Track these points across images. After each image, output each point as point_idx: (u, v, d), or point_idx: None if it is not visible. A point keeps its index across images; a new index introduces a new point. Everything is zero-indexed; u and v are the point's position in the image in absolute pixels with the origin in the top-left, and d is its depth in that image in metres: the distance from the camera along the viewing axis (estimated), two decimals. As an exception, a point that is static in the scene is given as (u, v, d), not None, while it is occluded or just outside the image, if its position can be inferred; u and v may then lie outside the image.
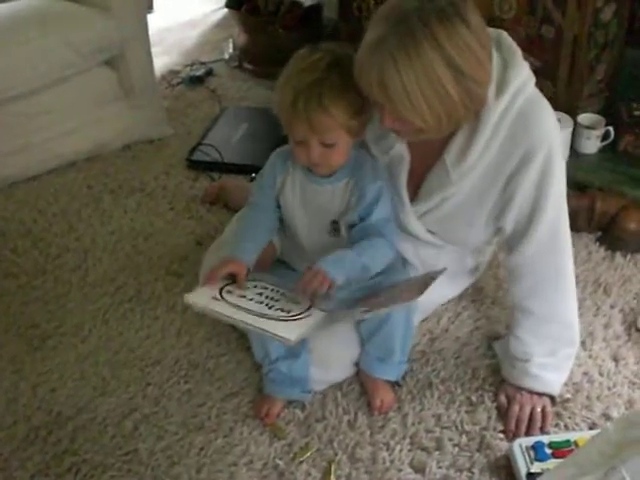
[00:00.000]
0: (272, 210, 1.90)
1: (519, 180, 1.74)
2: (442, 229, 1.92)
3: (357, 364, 1.99)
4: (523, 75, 1.71)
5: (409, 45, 1.50)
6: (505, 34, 1.77)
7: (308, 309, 1.74)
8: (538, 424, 1.85)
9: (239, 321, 1.71)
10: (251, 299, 1.76)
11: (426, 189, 1.85)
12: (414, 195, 1.89)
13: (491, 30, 1.77)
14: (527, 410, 1.87)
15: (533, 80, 1.74)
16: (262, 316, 1.70)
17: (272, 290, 1.81)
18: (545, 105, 1.76)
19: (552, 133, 1.74)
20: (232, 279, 1.80)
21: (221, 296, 1.76)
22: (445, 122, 1.61)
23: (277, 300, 1.78)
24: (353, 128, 1.72)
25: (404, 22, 1.51)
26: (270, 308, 1.74)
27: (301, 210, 1.87)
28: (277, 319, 1.70)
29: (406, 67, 1.51)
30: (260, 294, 1.79)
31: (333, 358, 1.96)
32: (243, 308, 1.72)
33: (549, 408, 1.88)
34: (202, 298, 1.75)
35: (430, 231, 1.93)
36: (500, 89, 1.68)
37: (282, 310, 1.73)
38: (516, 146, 1.72)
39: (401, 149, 1.83)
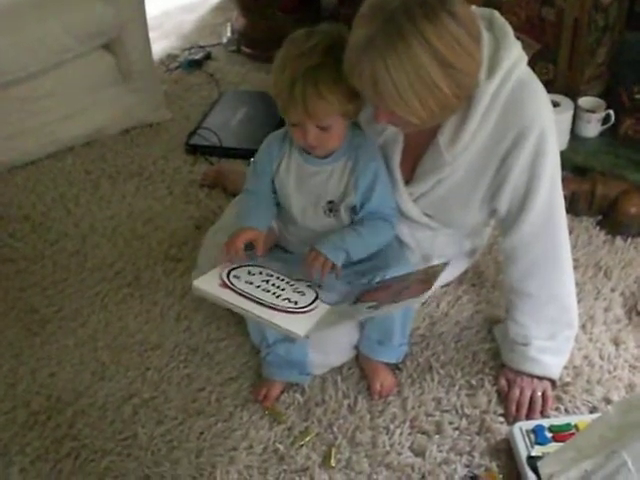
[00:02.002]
0: (269, 195, 1.90)
1: (512, 161, 1.74)
2: (437, 212, 1.91)
3: (357, 347, 1.99)
4: (514, 55, 1.70)
5: (398, 45, 1.49)
6: (497, 13, 1.76)
7: (314, 301, 1.74)
8: (539, 408, 1.85)
9: (248, 311, 1.69)
10: (258, 286, 1.75)
11: (421, 171, 1.85)
12: (409, 177, 1.89)
13: (483, 9, 1.77)
14: (527, 394, 1.86)
15: (525, 60, 1.73)
16: (271, 307, 1.69)
17: (277, 278, 1.79)
18: (537, 85, 1.75)
19: (544, 113, 1.74)
20: (238, 263, 1.80)
21: (229, 281, 1.74)
22: (438, 114, 1.61)
23: (283, 289, 1.76)
24: (349, 112, 1.72)
25: (391, 21, 1.50)
26: (278, 297, 1.73)
27: (296, 191, 1.86)
28: (286, 311, 1.69)
29: (397, 67, 1.50)
30: (267, 281, 1.78)
31: (332, 342, 1.95)
32: (252, 297, 1.71)
33: (549, 392, 1.88)
34: (211, 285, 1.73)
35: (426, 214, 1.92)
36: (491, 70, 1.68)
37: (289, 300, 1.72)
38: (508, 127, 1.72)
39: (394, 131, 1.83)
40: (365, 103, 1.74)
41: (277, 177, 1.87)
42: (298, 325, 1.66)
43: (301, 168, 1.85)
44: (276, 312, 1.68)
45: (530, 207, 1.78)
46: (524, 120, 1.71)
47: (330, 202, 1.84)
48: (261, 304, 1.69)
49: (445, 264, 1.73)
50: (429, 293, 1.71)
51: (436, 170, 1.81)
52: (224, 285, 1.73)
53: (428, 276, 1.72)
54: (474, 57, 1.57)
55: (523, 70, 1.73)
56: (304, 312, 1.70)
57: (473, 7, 1.77)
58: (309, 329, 1.66)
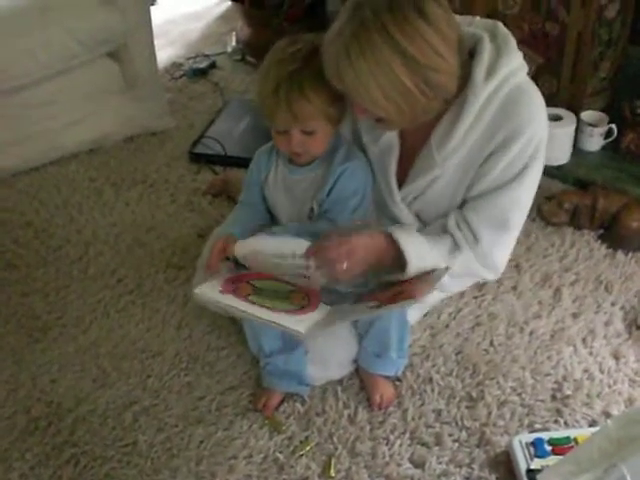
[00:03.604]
0: (260, 205, 1.94)
1: (497, 158, 1.74)
2: (428, 212, 1.90)
3: (356, 361, 1.99)
4: (515, 63, 1.72)
5: (361, 36, 1.53)
6: (500, 25, 1.77)
7: None
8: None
9: (250, 314, 1.70)
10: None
11: (413, 173, 1.86)
12: (402, 180, 1.89)
13: (487, 21, 1.79)
14: None
15: (525, 69, 1.75)
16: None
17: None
18: (535, 94, 1.75)
19: (537, 121, 1.74)
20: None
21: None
22: (408, 111, 1.62)
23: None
24: (333, 115, 1.74)
25: (358, 13, 1.55)
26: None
27: (284, 200, 1.89)
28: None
29: (358, 58, 1.54)
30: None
31: (331, 357, 1.96)
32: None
33: None
34: (212, 291, 1.75)
35: (418, 217, 1.93)
36: (490, 73, 1.69)
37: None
38: (500, 128, 1.72)
39: (391, 137, 1.85)
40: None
41: (266, 188, 1.92)
42: (299, 324, 1.68)
43: (286, 179, 1.88)
44: (276, 313, 1.70)
45: (493, 201, 1.79)
46: (516, 123, 1.71)
47: (313, 209, 1.86)
48: (262, 306, 1.71)
49: (446, 268, 1.74)
50: (429, 294, 1.69)
51: (427, 171, 1.82)
52: (224, 291, 1.75)
53: (427, 278, 1.72)
54: (443, 56, 1.57)
55: (522, 78, 1.74)
56: (304, 313, 1.72)
57: (477, 18, 1.79)
58: (310, 328, 1.67)
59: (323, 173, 1.83)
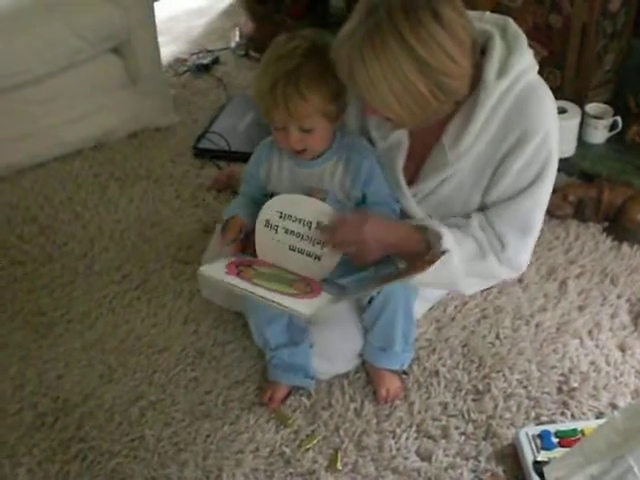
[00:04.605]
0: (259, 197, 1.93)
1: (511, 160, 1.74)
2: (440, 211, 1.90)
3: (362, 355, 1.99)
4: (526, 61, 1.72)
5: (375, 38, 1.53)
6: (511, 21, 1.77)
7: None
8: None
9: (255, 294, 1.69)
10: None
11: (424, 171, 1.85)
12: (413, 178, 1.88)
13: (498, 17, 1.78)
14: None
15: (536, 68, 1.74)
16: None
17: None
18: (546, 92, 1.75)
19: (548, 119, 1.73)
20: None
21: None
22: (420, 114, 1.62)
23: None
24: (331, 113, 1.74)
25: (372, 15, 1.54)
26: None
27: (291, 193, 1.87)
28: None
29: (372, 60, 1.54)
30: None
31: (337, 352, 1.96)
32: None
33: None
34: (217, 271, 1.75)
35: (429, 215, 1.92)
36: (502, 72, 1.68)
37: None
38: (512, 128, 1.72)
39: (400, 134, 1.84)
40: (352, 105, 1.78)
41: (269, 182, 1.91)
42: (304, 306, 1.67)
43: (294, 171, 1.87)
44: (280, 294, 1.70)
45: (517, 206, 1.79)
46: (528, 122, 1.71)
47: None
48: (265, 288, 1.71)
49: (443, 252, 1.74)
50: (430, 269, 1.69)
51: (439, 170, 1.81)
52: (229, 273, 1.75)
53: (430, 256, 1.73)
54: (457, 61, 1.57)
55: (533, 77, 1.73)
56: (309, 297, 1.72)
57: (487, 13, 1.79)
58: (314, 311, 1.67)
59: (337, 169, 1.82)
